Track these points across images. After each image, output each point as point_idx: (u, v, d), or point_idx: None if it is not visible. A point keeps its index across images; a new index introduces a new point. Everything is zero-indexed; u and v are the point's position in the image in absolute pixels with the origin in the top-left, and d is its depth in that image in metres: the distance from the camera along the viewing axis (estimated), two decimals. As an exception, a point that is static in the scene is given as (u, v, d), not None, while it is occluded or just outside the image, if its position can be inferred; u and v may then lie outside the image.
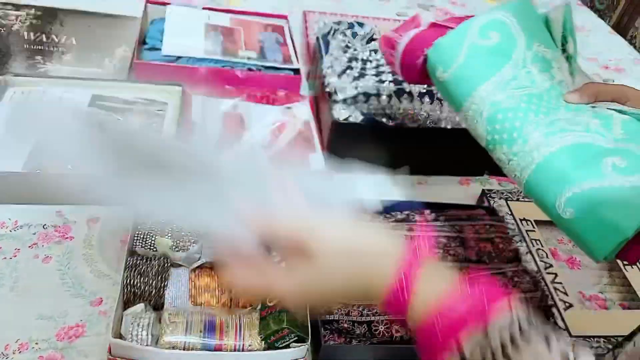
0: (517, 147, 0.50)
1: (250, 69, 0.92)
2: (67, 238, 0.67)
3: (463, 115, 0.55)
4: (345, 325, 0.58)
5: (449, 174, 0.89)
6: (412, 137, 0.83)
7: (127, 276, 0.55)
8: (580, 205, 0.46)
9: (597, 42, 1.31)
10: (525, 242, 0.74)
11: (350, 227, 0.41)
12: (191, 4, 1.07)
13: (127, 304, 0.55)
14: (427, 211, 0.73)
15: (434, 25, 0.60)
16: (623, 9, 1.49)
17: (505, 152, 0.51)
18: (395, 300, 0.38)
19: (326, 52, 0.92)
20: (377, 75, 0.86)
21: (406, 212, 0.72)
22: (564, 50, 0.57)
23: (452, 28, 0.57)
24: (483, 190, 0.83)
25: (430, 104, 0.84)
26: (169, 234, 0.60)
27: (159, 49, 0.91)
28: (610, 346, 0.62)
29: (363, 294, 0.40)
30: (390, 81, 0.85)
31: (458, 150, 0.86)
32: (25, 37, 0.92)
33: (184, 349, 0.51)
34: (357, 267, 0.39)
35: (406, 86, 0.84)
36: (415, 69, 0.60)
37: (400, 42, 0.61)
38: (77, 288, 0.61)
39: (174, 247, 0.59)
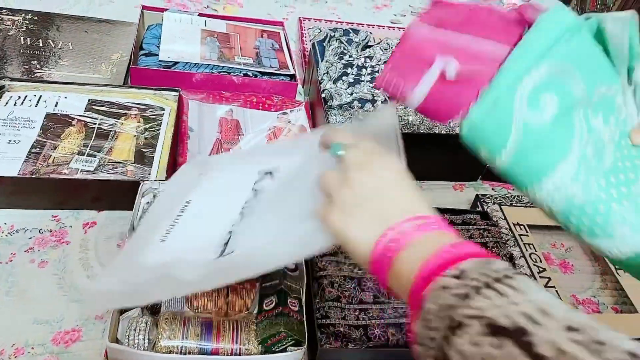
0: (600, 240, 0.43)
1: (246, 75, 0.93)
2: (63, 242, 0.67)
3: (529, 195, 0.45)
4: (342, 329, 0.58)
5: (443, 179, 0.90)
6: (407, 142, 0.84)
7: (123, 280, 0.55)
8: None
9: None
10: (519, 246, 0.75)
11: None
12: (187, 10, 1.08)
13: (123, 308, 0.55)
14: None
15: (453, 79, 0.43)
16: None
17: (587, 240, 0.43)
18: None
19: (322, 59, 0.93)
20: (372, 81, 0.87)
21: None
22: (629, 80, 0.43)
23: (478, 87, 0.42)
24: (477, 195, 0.84)
25: (425, 110, 0.85)
26: (166, 239, 0.60)
27: (156, 55, 0.92)
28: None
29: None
30: (385, 87, 0.86)
31: (452, 156, 0.87)
32: (22, 42, 0.92)
33: (180, 353, 0.51)
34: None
35: (401, 92, 0.85)
36: (446, 119, 0.47)
37: (411, 98, 0.46)
38: (74, 292, 0.61)
39: (170, 251, 0.59)
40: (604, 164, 0.42)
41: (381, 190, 0.38)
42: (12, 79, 0.81)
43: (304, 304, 0.57)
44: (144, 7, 1.01)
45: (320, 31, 1.01)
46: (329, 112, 0.83)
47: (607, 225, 0.41)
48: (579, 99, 0.42)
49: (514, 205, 0.82)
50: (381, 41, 0.97)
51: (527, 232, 0.78)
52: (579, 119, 0.42)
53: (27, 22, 0.97)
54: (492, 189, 0.91)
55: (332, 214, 0.38)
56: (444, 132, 0.85)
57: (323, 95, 0.85)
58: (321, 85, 0.87)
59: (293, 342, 0.53)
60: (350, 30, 1.00)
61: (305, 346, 0.53)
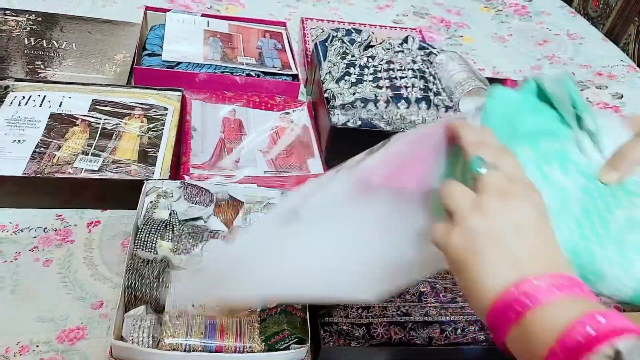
0: (598, 286, 0.42)
1: (249, 75, 0.93)
2: (67, 241, 0.67)
3: None
4: (345, 327, 0.59)
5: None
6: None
7: (128, 279, 0.56)
8: None
9: (591, 49, 1.33)
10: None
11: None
12: (190, 10, 1.09)
13: (127, 306, 0.56)
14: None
15: None
16: (616, 17, 1.51)
17: (591, 287, 0.42)
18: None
19: (324, 59, 0.94)
20: (374, 81, 0.87)
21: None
22: (581, 128, 0.44)
23: None
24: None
25: (427, 109, 0.85)
26: (170, 237, 0.61)
27: (159, 55, 0.92)
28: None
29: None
30: (387, 87, 0.86)
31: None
32: (26, 43, 0.93)
33: (184, 351, 0.52)
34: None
35: (403, 92, 0.85)
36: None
37: None
38: (78, 291, 0.62)
39: (174, 250, 0.60)
40: (573, 210, 0.41)
41: (521, 229, 0.33)
42: (17, 79, 0.82)
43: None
44: (147, 8, 1.02)
45: (323, 31, 1.01)
46: (331, 112, 0.83)
47: (596, 269, 0.41)
48: (525, 158, 0.41)
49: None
50: (383, 41, 0.98)
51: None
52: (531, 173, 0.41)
53: (31, 22, 0.98)
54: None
55: (455, 237, 0.33)
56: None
57: (325, 95, 0.86)
58: (323, 85, 0.88)
59: (296, 340, 0.54)
60: (353, 30, 1.00)
61: (309, 344, 0.53)
